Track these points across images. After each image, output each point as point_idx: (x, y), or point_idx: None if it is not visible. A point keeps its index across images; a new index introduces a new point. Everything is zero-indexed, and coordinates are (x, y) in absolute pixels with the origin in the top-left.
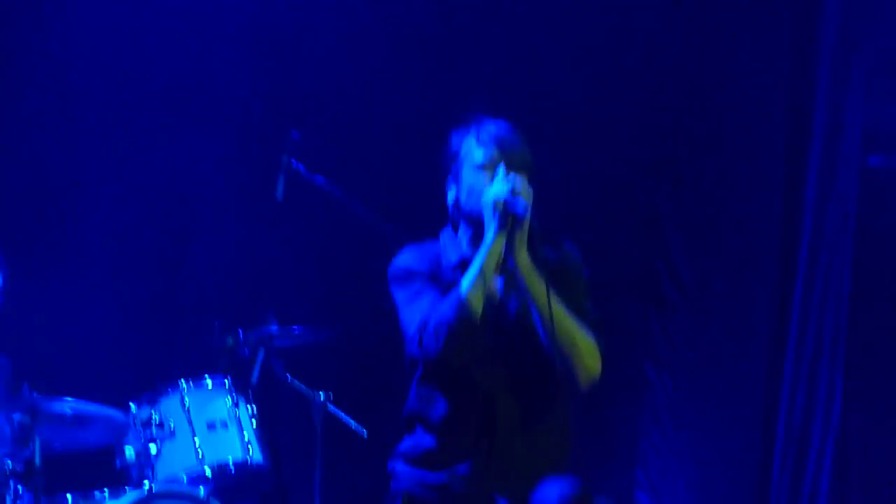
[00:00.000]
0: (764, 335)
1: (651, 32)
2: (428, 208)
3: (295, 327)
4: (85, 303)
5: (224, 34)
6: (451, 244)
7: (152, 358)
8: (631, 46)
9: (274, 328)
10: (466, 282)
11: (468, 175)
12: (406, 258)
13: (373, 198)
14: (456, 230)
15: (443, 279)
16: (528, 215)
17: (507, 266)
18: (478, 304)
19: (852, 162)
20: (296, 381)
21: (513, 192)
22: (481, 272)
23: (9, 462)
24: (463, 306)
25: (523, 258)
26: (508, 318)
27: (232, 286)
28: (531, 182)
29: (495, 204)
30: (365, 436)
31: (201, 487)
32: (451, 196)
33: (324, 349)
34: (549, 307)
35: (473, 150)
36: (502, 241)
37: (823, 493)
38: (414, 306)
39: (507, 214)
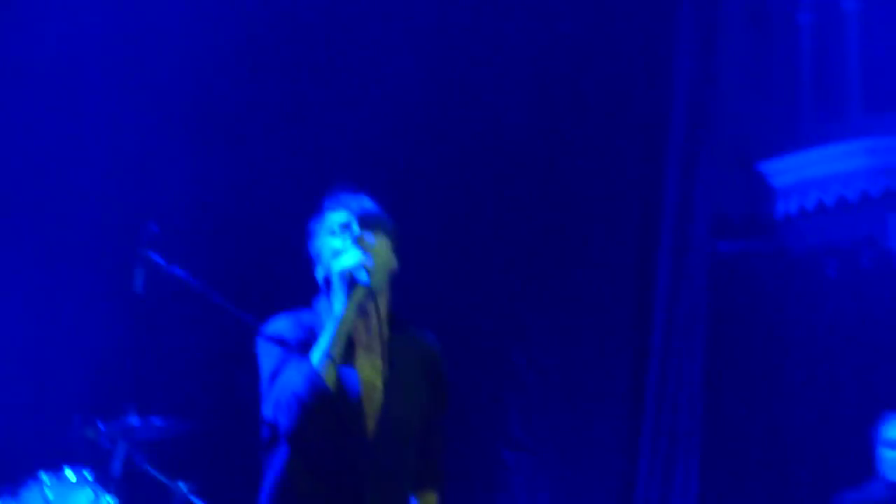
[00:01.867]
0: (622, 421)
1: (514, 115)
2: (294, 298)
3: (155, 418)
4: None
5: (79, 121)
6: (327, 312)
7: (12, 449)
8: (499, 137)
9: (135, 420)
10: (317, 354)
11: (323, 244)
12: (279, 325)
13: (233, 288)
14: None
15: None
16: (379, 284)
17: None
18: (329, 376)
19: (702, 248)
20: (157, 473)
21: (360, 261)
22: (332, 343)
23: None
24: (313, 378)
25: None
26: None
27: (92, 377)
28: (396, 251)
29: (341, 273)
30: None
31: None
32: (318, 273)
33: (185, 440)
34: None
35: (328, 217)
36: (352, 311)
37: None
38: (275, 379)
39: (353, 283)
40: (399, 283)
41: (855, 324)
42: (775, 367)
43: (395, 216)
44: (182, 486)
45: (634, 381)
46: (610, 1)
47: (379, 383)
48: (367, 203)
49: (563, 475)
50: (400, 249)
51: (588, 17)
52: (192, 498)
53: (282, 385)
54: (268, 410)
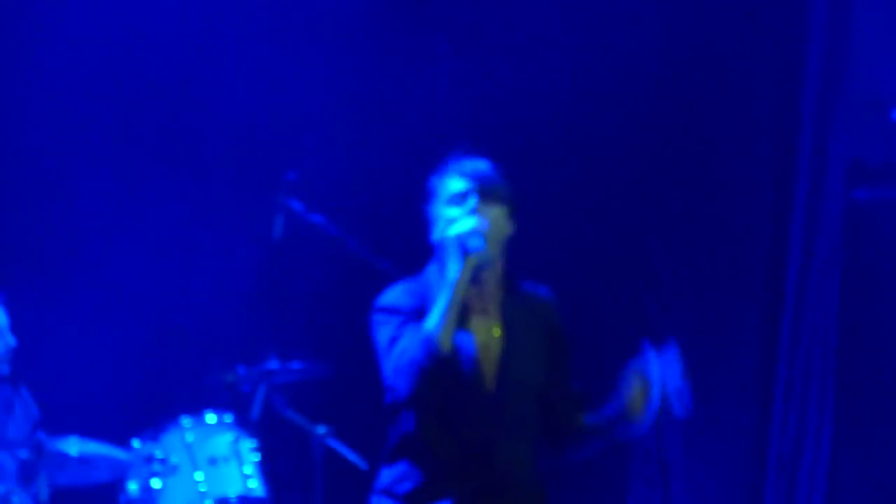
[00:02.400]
0: (755, 370)
1: (642, 67)
2: (424, 245)
3: (294, 363)
4: (87, 340)
5: (218, 76)
6: (438, 279)
7: (154, 394)
8: (621, 81)
9: (274, 364)
10: (432, 319)
11: (440, 209)
12: (393, 295)
13: (370, 235)
14: (443, 266)
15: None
16: (493, 251)
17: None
18: (445, 341)
19: (837, 195)
20: (296, 416)
21: (474, 229)
22: (446, 308)
23: (14, 498)
24: (429, 344)
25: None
26: (497, 350)
27: (232, 323)
28: (513, 216)
29: (456, 239)
30: (365, 469)
31: None
32: (433, 236)
33: (323, 384)
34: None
35: (447, 183)
36: (466, 277)
37: None
38: (393, 347)
39: (467, 250)
40: (534, 239)
41: None
42: None
43: (520, 177)
44: (320, 430)
45: (768, 329)
46: None
47: (494, 344)
48: (485, 170)
49: (695, 421)
50: (518, 214)
51: None
52: (330, 441)
53: (399, 352)
54: (388, 377)
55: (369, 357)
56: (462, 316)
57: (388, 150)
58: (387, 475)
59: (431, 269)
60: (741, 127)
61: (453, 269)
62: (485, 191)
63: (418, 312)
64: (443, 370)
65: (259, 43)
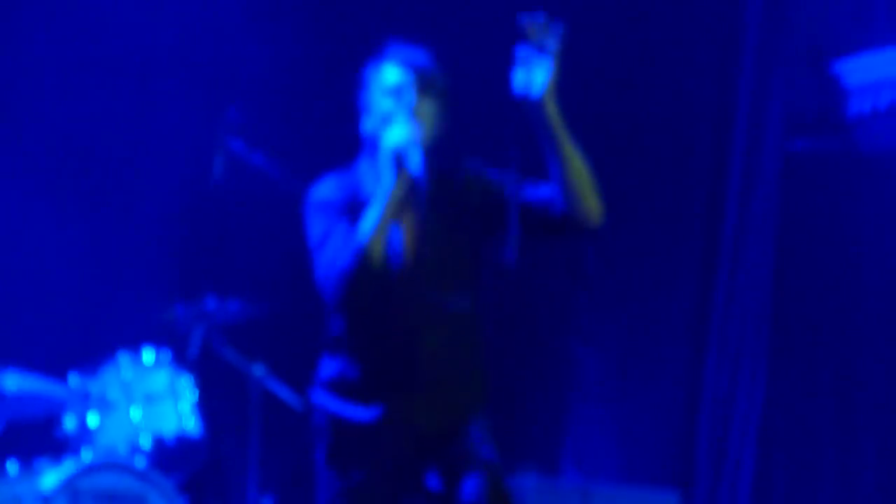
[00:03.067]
0: (690, 315)
1: (584, 18)
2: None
3: (232, 302)
4: (26, 273)
5: (166, 9)
6: (370, 174)
7: (92, 330)
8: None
9: (212, 303)
10: (364, 228)
11: (376, 99)
12: (324, 189)
13: (309, 172)
14: (374, 161)
15: (361, 209)
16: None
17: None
18: (377, 251)
19: (775, 145)
20: (233, 355)
21: (412, 140)
22: (379, 220)
23: None
24: (361, 254)
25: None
26: (425, 246)
27: (171, 261)
28: (446, 110)
29: (392, 150)
30: (300, 409)
31: (139, 458)
32: (364, 126)
33: (261, 323)
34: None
35: (383, 72)
36: (401, 190)
37: (747, 466)
38: (324, 247)
39: (402, 164)
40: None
41: None
42: (844, 267)
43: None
44: (257, 369)
45: (704, 278)
46: None
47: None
48: (424, 60)
49: (632, 368)
50: (451, 105)
51: None
52: (267, 380)
53: (329, 258)
54: (318, 279)
55: (306, 297)
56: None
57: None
58: (325, 369)
59: (363, 162)
60: (681, 78)
61: (387, 180)
62: (423, 83)
63: (349, 206)
64: (371, 279)
65: None
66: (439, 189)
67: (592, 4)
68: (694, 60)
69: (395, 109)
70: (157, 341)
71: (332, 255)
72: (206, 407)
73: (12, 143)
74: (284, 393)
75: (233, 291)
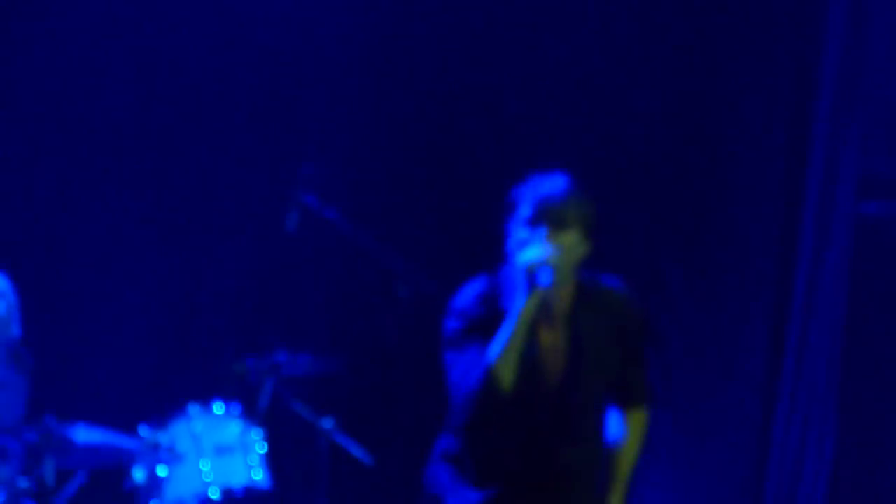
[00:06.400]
0: (760, 374)
1: (658, 79)
2: (439, 243)
3: (303, 356)
4: (98, 327)
5: (240, 65)
6: (509, 288)
7: (163, 383)
8: (636, 94)
9: (282, 356)
10: (494, 351)
11: (514, 227)
12: (465, 299)
13: (384, 232)
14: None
15: (497, 324)
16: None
17: (548, 322)
18: (507, 373)
19: (847, 208)
20: (303, 409)
21: (544, 261)
22: (510, 340)
23: (21, 480)
24: (490, 377)
25: None
26: (557, 366)
27: (243, 314)
28: (589, 236)
29: (524, 268)
30: (369, 463)
31: None
32: (507, 246)
33: (331, 378)
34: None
35: (521, 205)
36: (531, 309)
37: None
38: (457, 368)
39: (534, 282)
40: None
41: None
42: None
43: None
44: (326, 423)
45: (775, 337)
46: None
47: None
48: (557, 195)
49: (703, 428)
50: (594, 229)
51: None
52: (336, 434)
53: (459, 377)
54: (452, 404)
55: (377, 352)
56: (530, 329)
57: (404, 147)
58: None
59: (505, 273)
60: (754, 138)
61: (519, 300)
62: (554, 218)
63: (487, 320)
64: (500, 404)
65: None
66: (591, 304)
67: (671, 61)
68: (769, 119)
69: (529, 238)
70: (228, 394)
71: (461, 374)
72: (275, 460)
73: (91, 200)
74: (353, 448)
75: (303, 346)
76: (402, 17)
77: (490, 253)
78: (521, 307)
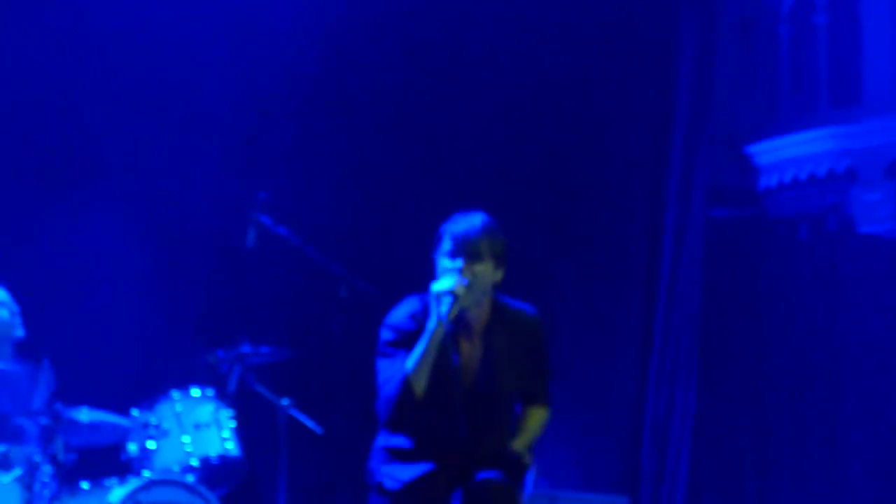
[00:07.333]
0: (633, 351)
1: (528, 109)
2: (376, 253)
3: (263, 347)
4: (96, 327)
5: (211, 92)
6: (435, 308)
7: (150, 372)
8: (515, 127)
9: (247, 348)
10: (410, 363)
11: (440, 258)
12: (398, 315)
13: (330, 245)
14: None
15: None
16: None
17: (461, 334)
18: (419, 383)
19: (699, 213)
20: (264, 390)
21: (448, 291)
22: (423, 355)
23: (37, 456)
24: (406, 385)
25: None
26: (469, 373)
27: (213, 314)
28: (501, 266)
29: (435, 295)
30: (320, 433)
31: (190, 475)
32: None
33: (287, 365)
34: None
35: (443, 240)
36: (440, 330)
37: (682, 473)
38: (383, 374)
39: (437, 309)
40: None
41: (822, 276)
42: (757, 308)
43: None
44: (284, 401)
45: (645, 319)
46: (621, 14)
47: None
48: (473, 232)
49: (589, 396)
50: (507, 258)
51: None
52: (292, 410)
53: (383, 381)
54: (376, 403)
55: (324, 343)
56: (453, 338)
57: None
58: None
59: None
60: (622, 160)
61: (432, 321)
62: (469, 252)
63: (414, 335)
64: (415, 403)
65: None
66: (504, 321)
67: (543, 99)
68: (633, 143)
69: (448, 268)
70: (203, 380)
71: (385, 380)
72: (243, 433)
73: (88, 211)
74: (306, 421)
75: (264, 338)
76: (351, 58)
77: (420, 262)
78: (431, 329)
